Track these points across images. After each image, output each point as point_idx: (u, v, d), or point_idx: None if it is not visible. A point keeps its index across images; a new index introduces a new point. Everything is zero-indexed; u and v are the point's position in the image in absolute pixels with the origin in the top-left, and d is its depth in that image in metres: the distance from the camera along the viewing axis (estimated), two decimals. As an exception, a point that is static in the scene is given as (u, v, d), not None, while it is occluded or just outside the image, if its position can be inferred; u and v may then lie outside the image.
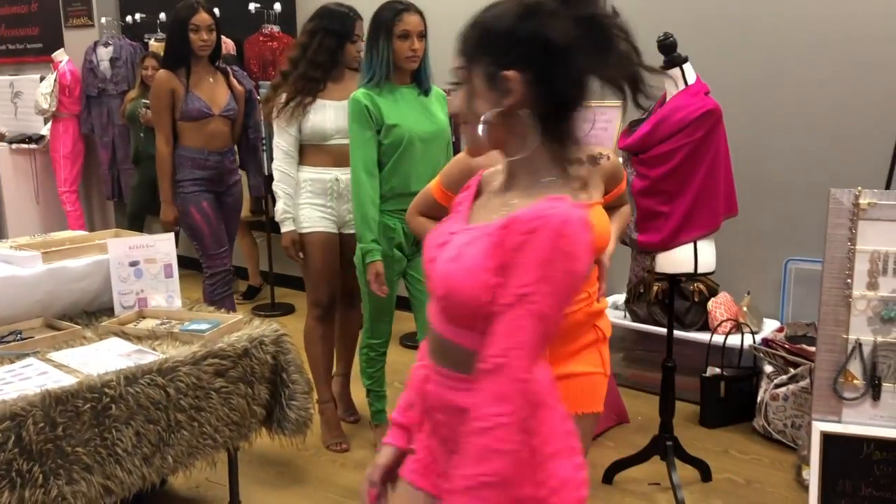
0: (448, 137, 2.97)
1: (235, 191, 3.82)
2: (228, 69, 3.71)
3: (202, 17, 3.48)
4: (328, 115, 3.11)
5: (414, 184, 2.75)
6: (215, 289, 3.70)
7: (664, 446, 2.92)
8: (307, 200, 3.15)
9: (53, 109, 6.22)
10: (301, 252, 3.17)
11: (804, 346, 3.25)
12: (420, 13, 2.82)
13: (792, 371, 3.21)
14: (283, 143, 3.14)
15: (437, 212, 2.03)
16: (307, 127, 3.11)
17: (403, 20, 2.75)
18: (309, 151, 3.16)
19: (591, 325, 1.89)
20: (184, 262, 3.84)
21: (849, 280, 2.49)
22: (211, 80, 3.61)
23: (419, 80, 2.89)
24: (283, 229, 3.16)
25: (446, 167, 2.07)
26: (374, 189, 2.80)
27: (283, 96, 3.09)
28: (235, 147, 3.88)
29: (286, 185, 3.14)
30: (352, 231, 3.10)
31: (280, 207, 3.14)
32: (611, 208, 2.01)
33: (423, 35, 2.80)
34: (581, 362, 1.88)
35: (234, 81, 3.72)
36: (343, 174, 3.10)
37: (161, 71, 3.62)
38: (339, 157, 3.09)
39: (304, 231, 3.15)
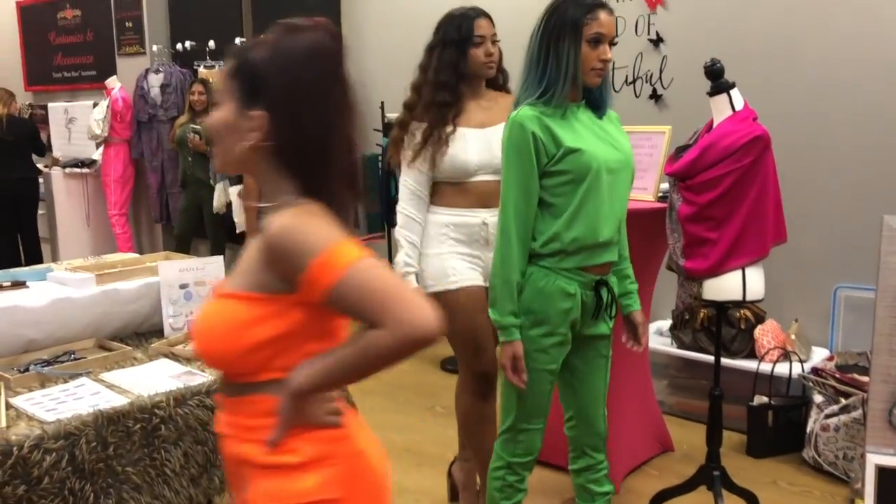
0: (634, 168, 2.26)
1: None
2: None
3: None
4: (470, 147, 2.53)
5: (603, 230, 2.09)
6: None
7: (711, 476, 2.87)
8: (451, 249, 2.55)
9: (105, 135, 6.40)
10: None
11: (856, 376, 3.18)
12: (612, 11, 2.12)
13: (843, 401, 3.14)
14: (411, 181, 2.56)
15: None
16: (445, 161, 2.51)
17: (599, 19, 2.06)
18: (446, 191, 2.57)
19: (258, 471, 1.29)
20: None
21: (903, 309, 2.44)
22: None
23: (596, 99, 2.17)
24: None
25: None
26: (525, 247, 2.10)
27: (417, 135, 2.53)
28: None
29: (411, 231, 2.56)
30: None
31: (401, 259, 2.55)
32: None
33: (614, 41, 2.12)
34: None
35: None
36: (492, 216, 2.47)
37: None
38: (484, 197, 2.53)
39: (453, 287, 2.54)
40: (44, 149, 6.56)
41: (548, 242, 2.08)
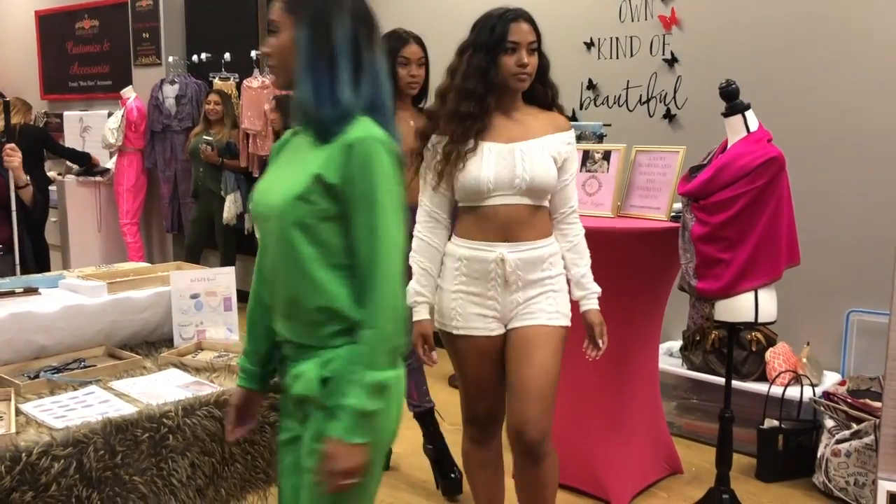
0: (294, 218, 1.56)
1: None
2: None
3: (413, 50, 2.99)
4: (487, 162, 2.21)
5: (263, 290, 1.74)
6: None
7: (720, 499, 2.85)
8: (460, 287, 2.27)
9: (119, 144, 6.44)
10: (432, 350, 2.33)
11: (868, 402, 3.15)
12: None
13: (855, 426, 3.11)
14: (427, 200, 2.31)
15: None
16: (459, 179, 2.22)
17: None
18: (464, 217, 2.29)
19: None
20: (243, 296, 3.88)
21: (917, 334, 2.42)
22: (412, 122, 2.92)
23: (318, 121, 1.58)
24: (413, 317, 2.29)
25: None
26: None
27: (439, 150, 2.25)
28: None
29: (423, 257, 2.30)
30: (531, 322, 2.23)
31: (411, 287, 2.28)
32: None
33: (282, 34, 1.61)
34: None
35: None
36: (512, 252, 2.21)
37: None
38: (503, 225, 2.22)
39: (455, 332, 2.30)
40: (70, 154, 6.57)
41: None
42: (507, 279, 2.22)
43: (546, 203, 2.28)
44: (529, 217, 2.23)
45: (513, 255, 2.21)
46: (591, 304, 2.32)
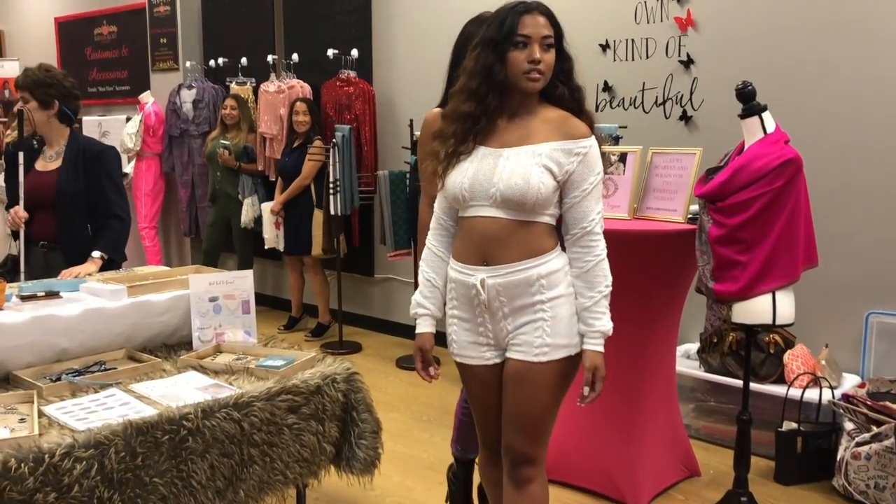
0: None
1: None
2: None
3: None
4: (472, 168, 2.02)
5: None
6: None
7: (738, 502, 2.84)
8: (453, 312, 2.12)
9: (138, 148, 6.50)
10: (429, 366, 2.19)
11: (888, 404, 3.13)
12: None
13: (875, 429, 3.09)
14: (436, 205, 2.17)
15: None
16: (446, 186, 2.08)
17: None
18: (458, 230, 2.14)
19: None
20: (260, 299, 3.89)
21: (937, 336, 2.40)
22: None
23: None
24: (416, 328, 2.19)
25: None
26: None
27: (441, 152, 2.08)
28: None
29: (429, 266, 2.16)
30: (518, 356, 2.03)
31: (414, 298, 2.18)
32: None
33: None
34: None
35: None
36: (493, 276, 2.00)
37: (433, 110, 2.58)
38: (482, 243, 2.02)
39: (455, 359, 2.17)
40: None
41: None
42: (489, 306, 2.03)
43: (543, 218, 2.01)
44: (511, 234, 1.99)
45: (493, 279, 2.00)
46: (589, 343, 2.00)
